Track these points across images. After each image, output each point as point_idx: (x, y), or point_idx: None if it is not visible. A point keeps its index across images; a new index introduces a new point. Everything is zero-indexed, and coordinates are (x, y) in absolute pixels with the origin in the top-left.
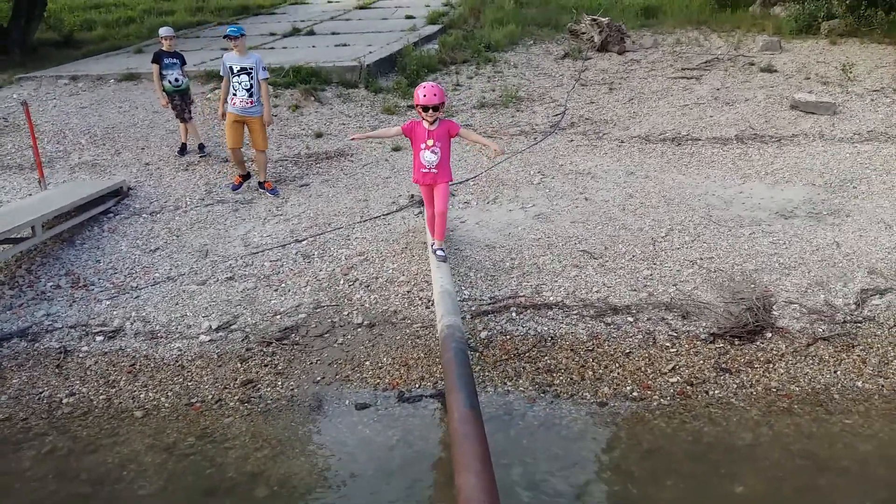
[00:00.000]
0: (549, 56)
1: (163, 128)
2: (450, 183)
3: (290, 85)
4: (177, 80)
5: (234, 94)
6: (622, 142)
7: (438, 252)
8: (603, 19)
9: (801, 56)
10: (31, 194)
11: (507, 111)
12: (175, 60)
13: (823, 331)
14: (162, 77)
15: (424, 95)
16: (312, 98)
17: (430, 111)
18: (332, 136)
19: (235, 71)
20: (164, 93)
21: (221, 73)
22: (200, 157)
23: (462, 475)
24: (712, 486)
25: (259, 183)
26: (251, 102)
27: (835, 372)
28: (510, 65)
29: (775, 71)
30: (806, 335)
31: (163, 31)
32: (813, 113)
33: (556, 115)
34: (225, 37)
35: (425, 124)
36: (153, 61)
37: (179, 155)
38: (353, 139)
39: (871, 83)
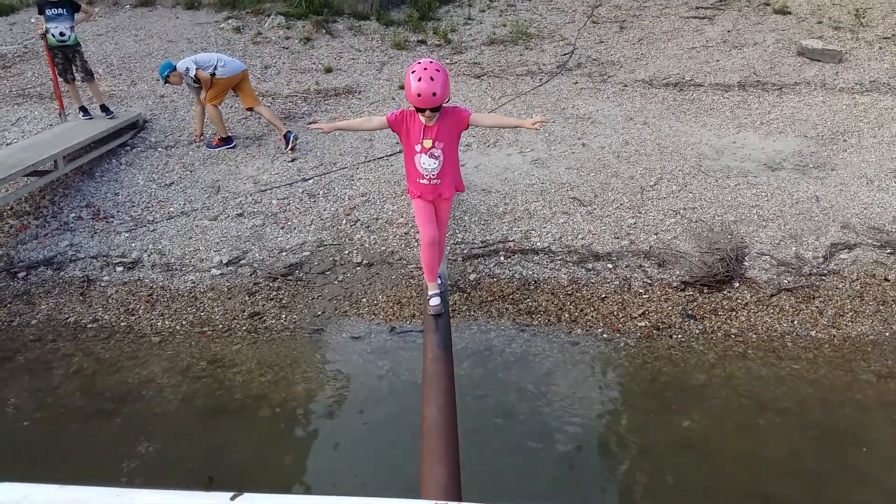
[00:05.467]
0: None
1: (177, 58)
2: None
3: (302, 16)
4: (62, 34)
5: None
6: (626, 85)
7: (433, 301)
8: None
9: None
10: (51, 125)
11: (516, 49)
12: (61, 11)
13: (789, 282)
14: (46, 31)
15: (420, 95)
16: (324, 31)
17: (428, 112)
18: (341, 72)
19: None
20: (48, 50)
21: None
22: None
23: (427, 406)
24: (662, 419)
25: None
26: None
27: (792, 321)
28: None
29: (789, 13)
30: (771, 286)
31: None
32: (819, 60)
33: (564, 54)
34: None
35: (422, 118)
36: (38, 12)
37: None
38: (313, 127)
39: (884, 30)
